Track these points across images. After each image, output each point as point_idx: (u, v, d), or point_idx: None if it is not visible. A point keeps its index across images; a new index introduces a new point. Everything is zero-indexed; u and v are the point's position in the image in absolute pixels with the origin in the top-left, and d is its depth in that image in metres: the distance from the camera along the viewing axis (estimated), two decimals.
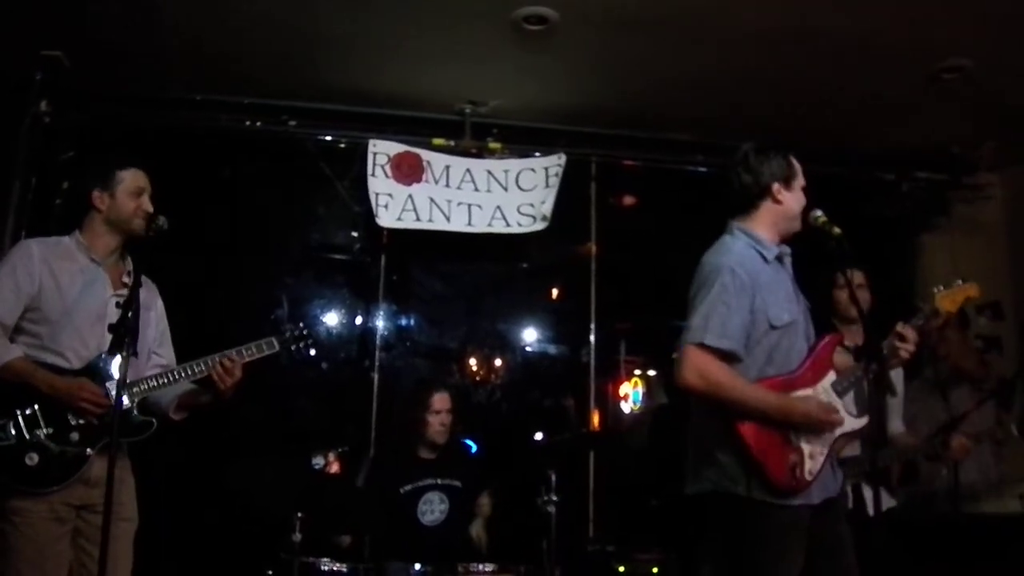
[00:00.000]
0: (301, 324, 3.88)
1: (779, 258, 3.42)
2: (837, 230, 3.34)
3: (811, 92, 5.48)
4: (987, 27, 4.74)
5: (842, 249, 3.33)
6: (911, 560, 4.49)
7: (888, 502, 4.36)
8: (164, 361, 3.76)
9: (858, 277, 4.48)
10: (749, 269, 3.27)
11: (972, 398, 4.95)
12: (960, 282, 3.53)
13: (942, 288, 3.51)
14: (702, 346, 3.17)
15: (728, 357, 3.19)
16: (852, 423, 3.31)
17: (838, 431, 3.27)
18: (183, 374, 3.58)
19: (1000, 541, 4.55)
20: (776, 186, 3.40)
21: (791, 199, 3.40)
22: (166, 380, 3.56)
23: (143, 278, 3.52)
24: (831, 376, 3.32)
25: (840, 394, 3.32)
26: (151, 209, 3.58)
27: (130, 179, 3.61)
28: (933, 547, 4.59)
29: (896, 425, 4.62)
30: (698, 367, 3.17)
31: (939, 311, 3.47)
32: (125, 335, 3.07)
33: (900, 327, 3.36)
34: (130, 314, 3.13)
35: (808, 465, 3.17)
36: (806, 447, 3.18)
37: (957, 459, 4.57)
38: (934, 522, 4.73)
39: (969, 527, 4.55)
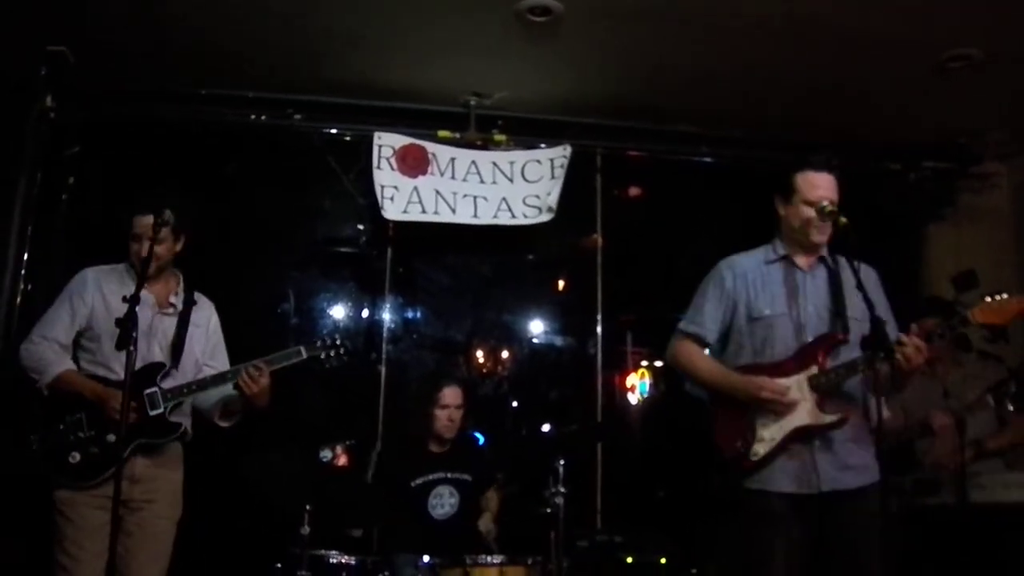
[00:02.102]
0: (336, 335, 4.13)
1: (788, 260, 3.63)
2: (844, 219, 3.37)
3: (817, 82, 5.46)
4: (993, 16, 4.72)
5: (849, 238, 3.35)
6: (916, 548, 4.50)
7: None
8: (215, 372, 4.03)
9: None
10: (738, 266, 3.70)
11: (972, 387, 4.88)
12: None
13: (996, 297, 3.41)
14: (678, 331, 3.76)
15: (701, 342, 3.70)
16: (815, 416, 3.41)
17: (797, 422, 3.41)
18: (213, 382, 3.91)
19: (1005, 529, 4.55)
20: (777, 200, 3.70)
21: (790, 213, 3.64)
22: (195, 388, 3.87)
23: (198, 296, 4.08)
24: (812, 370, 3.46)
25: (816, 388, 3.44)
26: (142, 255, 3.77)
27: (134, 225, 3.88)
28: (938, 535, 4.59)
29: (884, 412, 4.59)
30: (671, 347, 3.78)
31: (970, 320, 3.42)
32: (132, 330, 3.26)
33: (904, 337, 3.31)
34: (181, 330, 3.86)
35: (756, 447, 3.43)
36: (761, 430, 3.45)
37: (941, 435, 4.55)
38: (939, 510, 4.70)
39: (975, 515, 4.53)
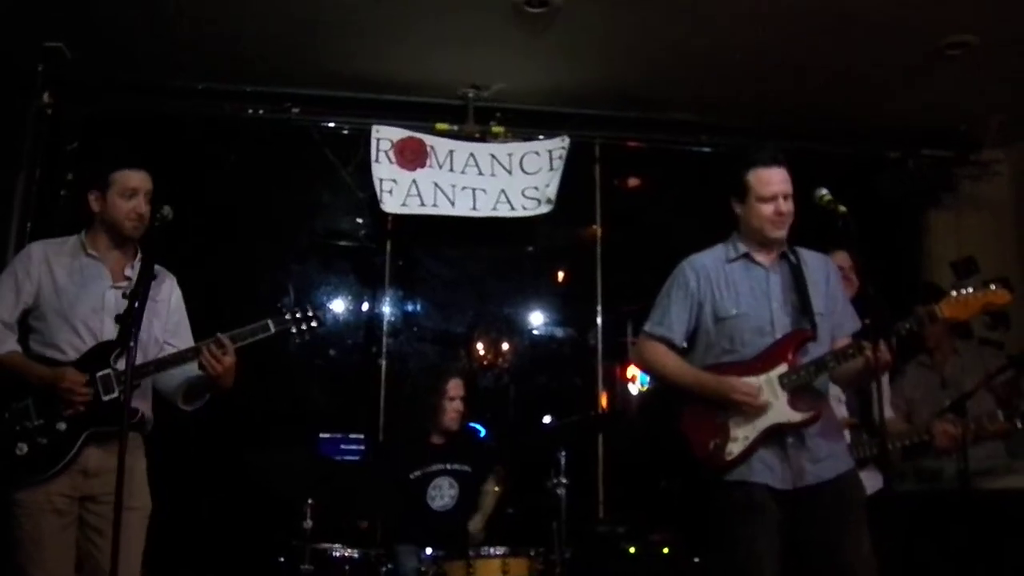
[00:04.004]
0: (306, 306, 3.74)
1: (748, 257, 3.61)
2: (843, 208, 3.34)
3: (815, 70, 5.46)
4: (991, 3, 4.72)
5: (848, 227, 3.33)
6: (918, 537, 4.48)
7: (875, 485, 4.26)
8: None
9: (844, 259, 4.43)
10: (701, 266, 3.66)
11: (970, 375, 4.83)
12: (992, 287, 3.42)
13: (962, 292, 3.42)
14: (644, 333, 3.72)
15: (668, 343, 3.63)
16: (787, 414, 3.41)
17: (771, 420, 3.40)
18: (173, 361, 3.54)
19: (1009, 517, 4.54)
20: (732, 201, 3.64)
21: (746, 211, 3.59)
22: (154, 368, 3.50)
23: (159, 268, 3.59)
24: (782, 368, 3.45)
25: (785, 387, 3.43)
26: (143, 211, 3.55)
27: (122, 181, 3.57)
28: (940, 523, 4.57)
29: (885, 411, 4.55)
30: (639, 350, 3.75)
31: (937, 316, 3.43)
32: (132, 325, 3.08)
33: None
34: (136, 304, 3.15)
35: (730, 446, 3.42)
36: (733, 429, 3.44)
37: (943, 446, 4.46)
38: (940, 498, 4.67)
39: (977, 503, 4.52)
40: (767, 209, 3.51)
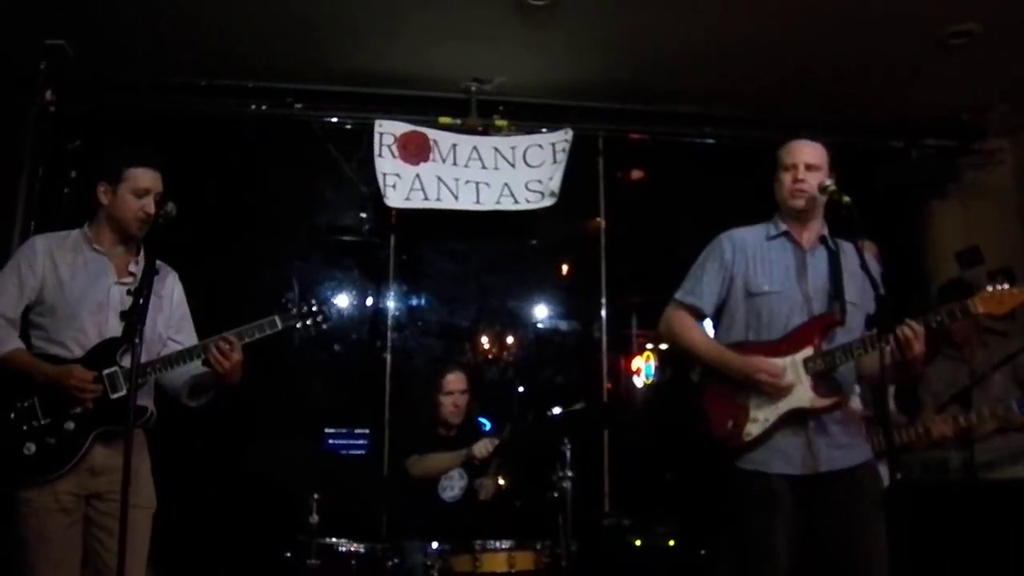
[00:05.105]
0: (312, 301, 3.65)
1: (789, 236, 3.59)
2: (847, 199, 3.33)
3: (818, 60, 5.44)
4: None
5: (852, 218, 3.32)
6: (923, 527, 4.48)
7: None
8: (181, 347, 3.62)
9: (871, 247, 4.40)
10: (739, 239, 3.64)
11: (990, 359, 4.80)
12: None
13: (998, 287, 3.33)
14: (674, 301, 3.68)
15: (697, 313, 3.62)
16: (810, 399, 3.37)
17: (792, 404, 3.37)
18: (180, 359, 3.50)
19: (1016, 507, 4.54)
20: (774, 179, 3.63)
21: (777, 187, 3.61)
22: (160, 366, 3.46)
23: (160, 264, 3.54)
24: (807, 352, 3.41)
25: (809, 371, 3.39)
26: (152, 212, 3.50)
27: (134, 178, 3.52)
28: (946, 514, 4.57)
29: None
30: (666, 317, 3.71)
31: (970, 311, 3.34)
32: (136, 322, 3.05)
33: (906, 326, 3.22)
34: (141, 301, 3.11)
35: (749, 427, 3.40)
36: (754, 411, 3.41)
37: (937, 443, 4.48)
38: (946, 489, 4.67)
39: (983, 494, 4.52)
40: (786, 178, 3.54)
